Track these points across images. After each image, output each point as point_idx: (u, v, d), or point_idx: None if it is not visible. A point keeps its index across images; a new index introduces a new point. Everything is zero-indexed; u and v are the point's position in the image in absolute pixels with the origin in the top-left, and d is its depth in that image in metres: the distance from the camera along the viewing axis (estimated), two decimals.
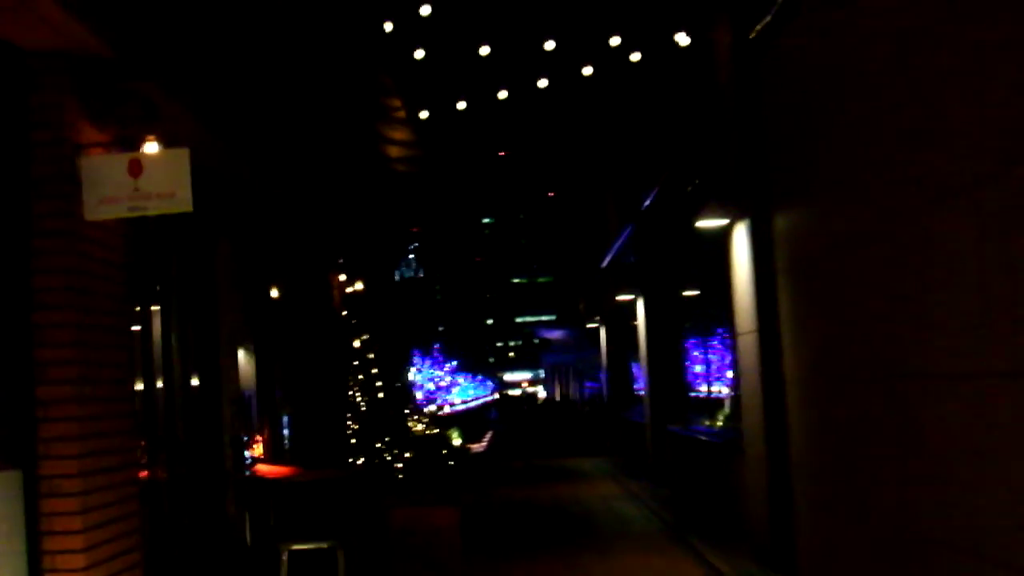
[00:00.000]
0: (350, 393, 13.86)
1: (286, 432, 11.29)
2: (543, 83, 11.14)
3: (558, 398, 56.29)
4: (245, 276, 9.65)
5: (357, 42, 9.52)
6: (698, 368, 16.25)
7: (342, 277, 13.85)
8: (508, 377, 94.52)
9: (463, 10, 10.33)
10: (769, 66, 8.65)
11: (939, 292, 5.32)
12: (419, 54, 10.10)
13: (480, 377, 65.58)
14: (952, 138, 5.10)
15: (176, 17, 6.73)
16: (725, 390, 14.26)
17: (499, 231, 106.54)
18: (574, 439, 29.94)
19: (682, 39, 10.34)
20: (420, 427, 18.76)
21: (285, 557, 7.96)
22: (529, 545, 11.83)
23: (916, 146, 5.55)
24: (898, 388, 5.98)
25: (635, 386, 24.29)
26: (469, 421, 31.65)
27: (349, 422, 13.60)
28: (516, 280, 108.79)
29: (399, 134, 11.64)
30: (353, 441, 13.47)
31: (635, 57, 10.75)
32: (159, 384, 7.15)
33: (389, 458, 13.91)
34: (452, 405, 35.50)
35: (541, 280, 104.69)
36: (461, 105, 11.59)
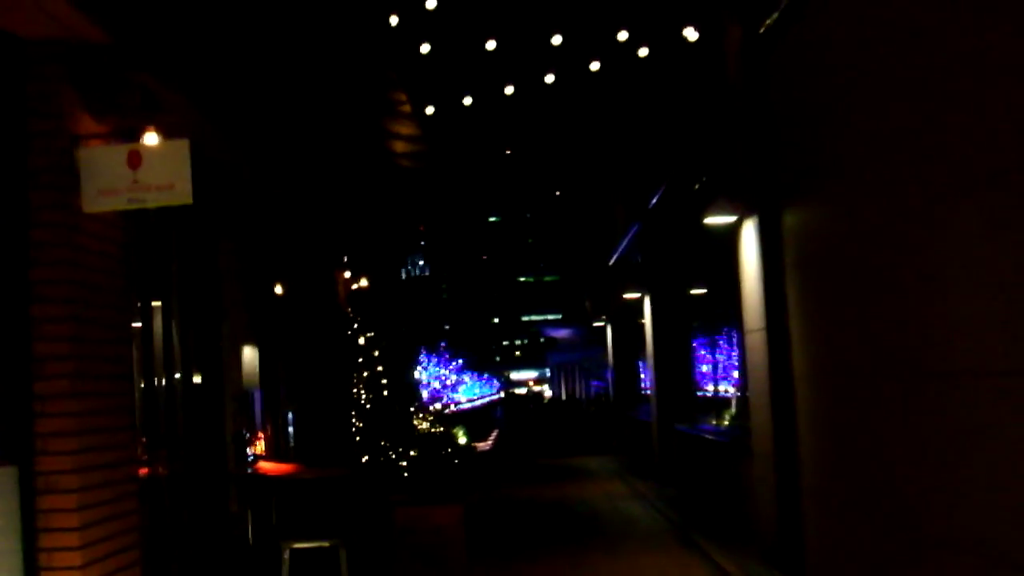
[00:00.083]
0: (355, 391, 13.78)
1: (291, 430, 11.21)
2: (550, 78, 11.04)
3: (564, 397, 56.26)
4: (248, 272, 9.56)
5: (362, 35, 9.42)
6: (705, 367, 16.16)
7: (347, 274, 13.76)
8: (514, 376, 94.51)
9: (469, 4, 10.24)
10: (778, 61, 8.57)
11: (954, 288, 5.24)
12: (425, 48, 10.00)
13: (486, 376, 65.52)
14: (966, 132, 5.01)
15: (177, 6, 6.64)
16: (732, 390, 14.16)
17: (506, 230, 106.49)
18: (580, 438, 29.90)
19: (691, 34, 10.24)
20: (425, 425, 18.67)
21: (287, 555, 7.88)
22: (534, 544, 11.76)
23: (929, 140, 5.47)
24: (911, 386, 5.90)
25: (641, 385, 24.20)
26: (475, 420, 31.54)
27: (354, 420, 13.52)
28: (522, 279, 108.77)
29: (404, 129, 11.55)
30: (358, 439, 13.39)
31: (643, 52, 10.65)
32: (159, 380, 7.06)
33: (394, 456, 13.82)
34: (458, 404, 35.42)
35: (547, 279, 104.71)
36: (467, 101, 11.50)
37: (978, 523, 5.03)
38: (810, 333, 8.12)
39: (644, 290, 18.69)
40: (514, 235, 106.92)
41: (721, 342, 14.63)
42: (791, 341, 8.54)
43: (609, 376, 28.50)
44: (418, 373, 25.58)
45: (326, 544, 8.00)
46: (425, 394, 25.40)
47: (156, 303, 7.12)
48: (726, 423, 13.32)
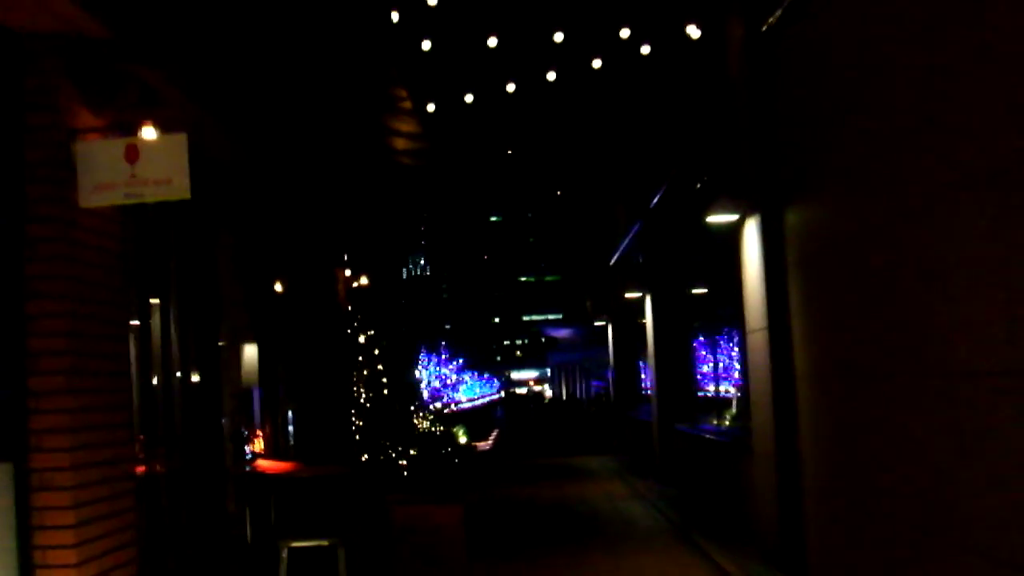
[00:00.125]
0: (355, 389, 13.73)
1: (291, 429, 11.16)
2: (551, 76, 10.99)
3: (564, 397, 56.24)
4: (248, 269, 9.52)
5: (363, 32, 9.37)
6: (706, 368, 16.12)
7: (347, 272, 13.72)
8: (515, 375, 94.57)
9: (471, 0, 10.19)
10: (781, 58, 8.53)
11: (955, 288, 5.20)
12: (426, 45, 9.95)
13: (486, 375, 65.51)
14: (967, 131, 4.96)
15: (177, 0, 6.59)
16: (732, 390, 14.13)
17: (507, 229, 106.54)
18: (580, 438, 29.90)
19: (693, 31, 10.18)
20: (426, 424, 18.64)
21: (285, 554, 7.82)
22: (534, 544, 11.72)
23: (930, 139, 5.43)
24: (913, 386, 5.85)
25: (642, 385, 24.17)
26: (475, 419, 31.54)
27: (353, 418, 13.47)
28: (523, 278, 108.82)
29: (405, 126, 11.49)
30: (357, 438, 13.34)
31: (645, 50, 10.60)
32: (157, 377, 7.01)
33: (394, 455, 13.77)
34: (458, 403, 35.41)
35: (548, 279, 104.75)
36: (469, 98, 11.44)
37: (981, 524, 4.99)
38: (812, 333, 8.08)
39: (645, 290, 18.65)
40: (515, 235, 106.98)
41: (722, 342, 14.59)
42: (793, 341, 8.50)
43: (610, 376, 28.46)
44: (419, 372, 25.55)
45: (324, 543, 7.95)
46: (425, 393, 25.36)
47: (154, 300, 7.07)
48: (727, 423, 13.28)
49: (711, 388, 15.52)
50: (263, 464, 8.96)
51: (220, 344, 8.42)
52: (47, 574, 5.06)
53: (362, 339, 14.26)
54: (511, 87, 11.20)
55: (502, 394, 63.11)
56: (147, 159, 5.37)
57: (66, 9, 4.99)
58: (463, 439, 22.13)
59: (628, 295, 19.71)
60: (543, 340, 77.98)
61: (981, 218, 4.88)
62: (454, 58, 10.70)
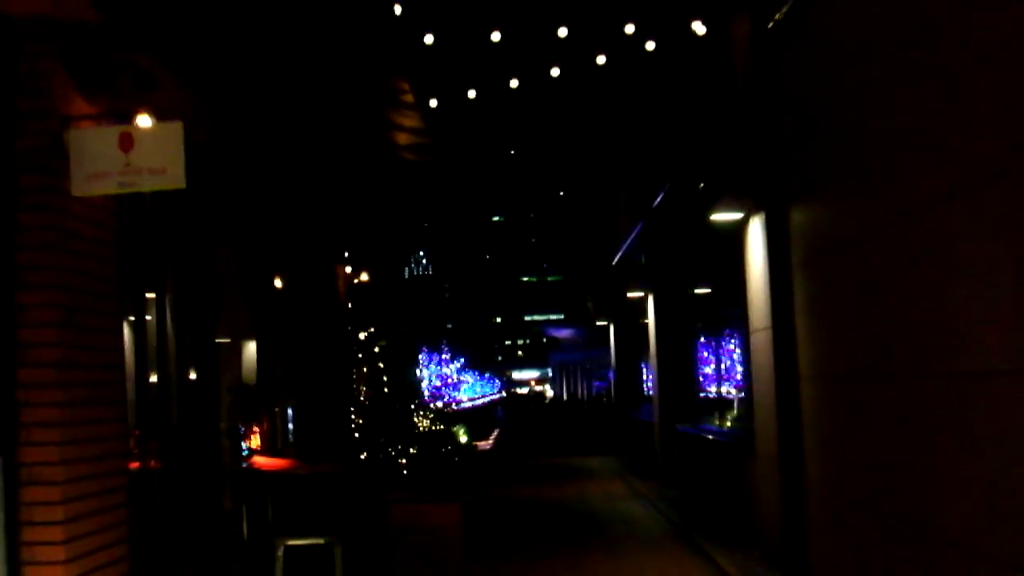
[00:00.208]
0: (354, 387, 13.65)
1: (290, 426, 11.08)
2: (555, 72, 10.90)
3: (565, 397, 56.19)
4: (247, 264, 9.42)
5: (365, 25, 9.27)
6: (708, 369, 16.04)
7: (348, 269, 13.62)
8: (516, 375, 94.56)
9: None
10: (787, 56, 8.43)
11: (957, 288, 5.12)
12: (429, 39, 9.86)
13: (487, 375, 65.45)
14: (976, 129, 4.88)
15: None
16: (734, 391, 14.05)
17: (509, 229, 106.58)
18: (581, 438, 29.83)
19: (698, 28, 10.10)
20: (426, 423, 18.57)
21: (281, 552, 7.73)
22: (533, 544, 11.63)
23: (932, 139, 5.36)
24: (915, 386, 5.77)
25: (643, 385, 24.10)
26: (476, 419, 31.46)
27: (353, 416, 13.39)
28: (525, 278, 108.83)
29: (408, 121, 11.39)
30: (357, 435, 13.26)
31: (650, 46, 10.51)
32: (152, 372, 6.91)
33: (393, 453, 13.69)
34: (459, 403, 35.32)
35: (551, 279, 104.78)
36: (472, 94, 11.35)
37: (984, 525, 4.92)
38: (816, 333, 7.98)
39: (647, 289, 18.57)
40: (517, 235, 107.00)
41: (724, 343, 14.51)
42: (797, 340, 8.40)
43: (611, 376, 28.39)
44: (420, 371, 25.49)
45: (321, 541, 7.85)
46: (426, 392, 25.29)
47: (150, 294, 6.97)
48: (729, 424, 13.21)
49: (713, 389, 15.45)
50: (260, 461, 8.86)
51: (221, 341, 8.32)
52: (36, 571, 4.95)
53: (362, 336, 14.18)
54: (514, 83, 11.12)
55: (503, 394, 63.04)
56: (142, 148, 5.25)
57: None
58: (463, 438, 22.04)
59: (630, 295, 19.63)
60: (544, 340, 77.98)
61: (981, 218, 4.81)
62: (457, 53, 10.61)
